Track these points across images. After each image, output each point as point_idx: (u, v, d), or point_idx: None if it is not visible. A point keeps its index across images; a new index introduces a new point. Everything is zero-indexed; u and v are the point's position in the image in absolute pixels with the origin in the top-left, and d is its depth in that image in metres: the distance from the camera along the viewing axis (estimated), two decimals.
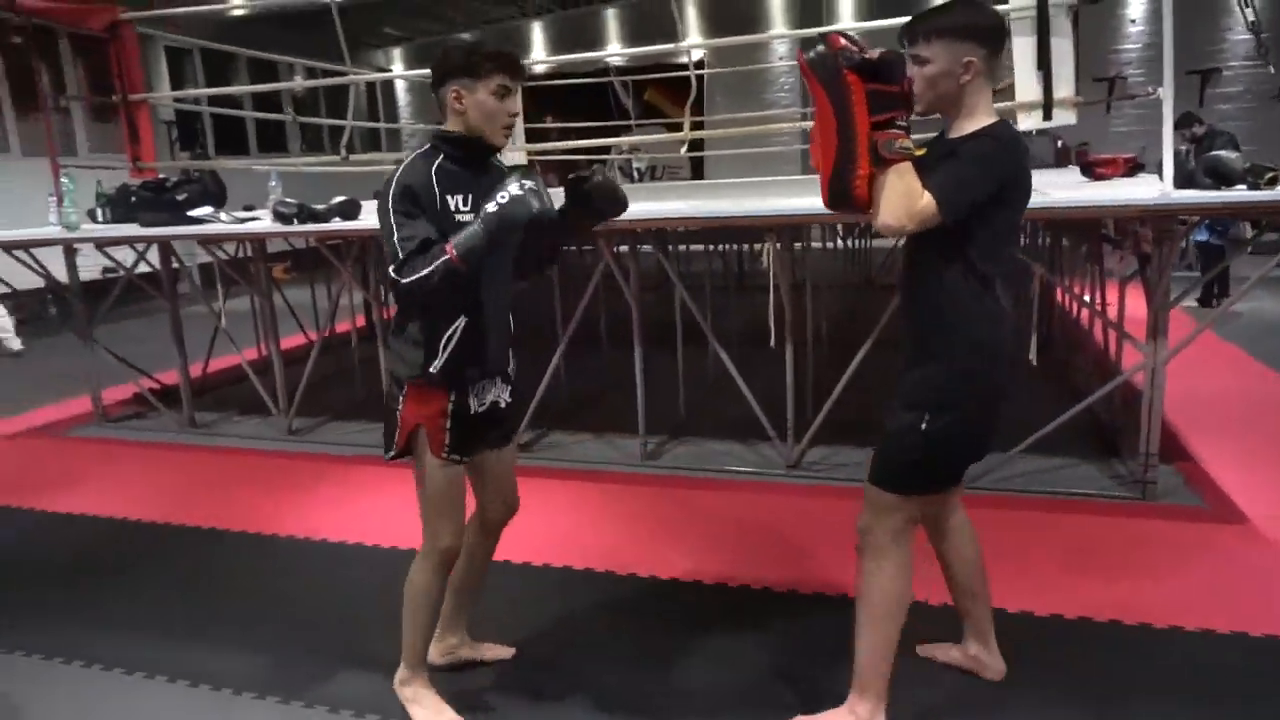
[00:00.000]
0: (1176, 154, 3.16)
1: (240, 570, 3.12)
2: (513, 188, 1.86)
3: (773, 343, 3.59)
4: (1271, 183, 3.02)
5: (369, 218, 4.24)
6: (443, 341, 1.98)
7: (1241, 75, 11.08)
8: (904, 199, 1.72)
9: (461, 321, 1.98)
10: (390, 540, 3.20)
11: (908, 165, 1.72)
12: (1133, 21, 11.21)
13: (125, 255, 5.11)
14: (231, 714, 2.27)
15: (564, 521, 3.39)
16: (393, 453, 2.07)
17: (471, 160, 2.00)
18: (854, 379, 3.61)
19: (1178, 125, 5.08)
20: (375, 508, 3.58)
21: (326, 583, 2.99)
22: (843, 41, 1.74)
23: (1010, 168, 1.79)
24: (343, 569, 3.09)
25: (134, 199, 4.90)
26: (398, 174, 1.93)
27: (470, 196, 1.96)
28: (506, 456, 2.23)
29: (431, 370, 1.99)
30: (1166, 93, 3.08)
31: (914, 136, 1.75)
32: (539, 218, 1.87)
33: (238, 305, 6.19)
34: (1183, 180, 3.15)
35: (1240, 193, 3.03)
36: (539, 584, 2.91)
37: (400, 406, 2.03)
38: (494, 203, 1.85)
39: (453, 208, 1.94)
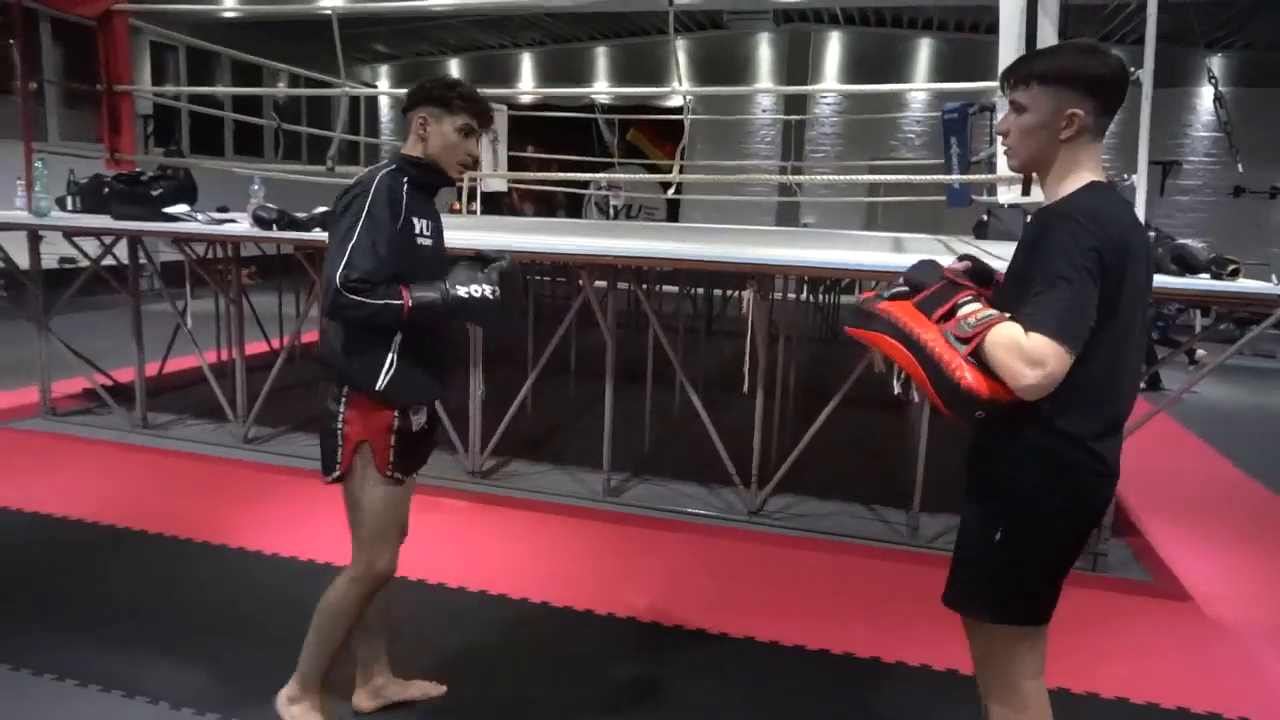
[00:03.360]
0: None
1: (187, 579, 3.02)
2: (487, 287, 1.95)
3: (746, 389, 3.62)
4: (1233, 275, 3.15)
5: None
6: (384, 361, 1.96)
7: (1200, 169, 11.58)
8: (1015, 355, 1.45)
9: (398, 340, 1.97)
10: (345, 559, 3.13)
11: (996, 327, 1.49)
12: None
13: (89, 247, 5.00)
14: None
15: (520, 551, 3.36)
16: (336, 473, 2.01)
17: (430, 186, 2.07)
18: (820, 432, 3.65)
19: None
20: (329, 525, 3.50)
21: (277, 598, 2.91)
22: (872, 291, 1.71)
23: (1088, 254, 1.46)
24: (294, 585, 3.01)
25: (107, 190, 4.82)
26: (377, 182, 1.93)
27: (429, 223, 2.03)
28: (413, 482, 2.17)
29: (377, 388, 1.95)
30: (1140, 179, 3.21)
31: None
32: (494, 322, 2.00)
33: (198, 307, 6.07)
34: None
35: (1204, 281, 3.14)
36: (488, 612, 2.86)
37: (341, 424, 1.98)
38: (467, 291, 1.93)
39: (416, 230, 1.98)
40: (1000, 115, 1.67)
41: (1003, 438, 1.59)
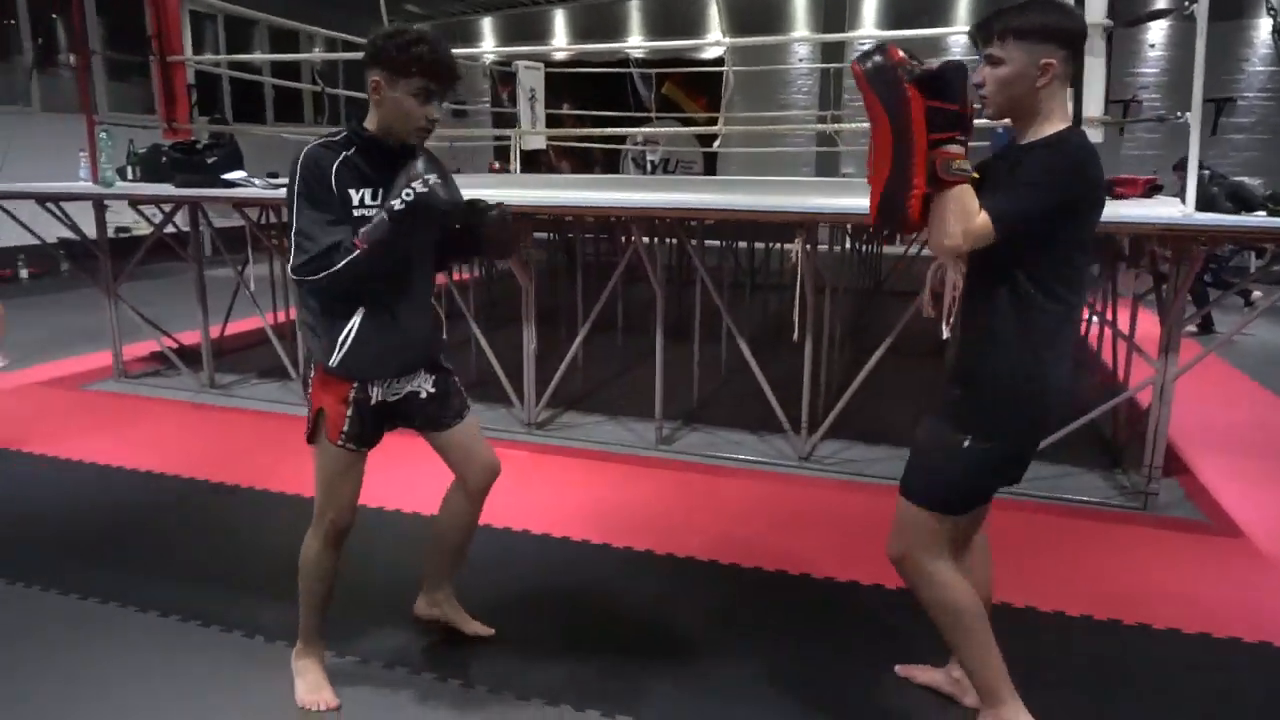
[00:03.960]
0: (1202, 181, 3.25)
1: (266, 527, 3.20)
2: (417, 183, 1.81)
3: (796, 337, 3.67)
4: None
5: None
6: (341, 336, 1.96)
7: (1256, 106, 11.18)
8: (960, 220, 1.66)
9: (358, 318, 1.96)
10: (411, 507, 3.29)
11: (965, 187, 1.67)
12: (1152, 46, 11.29)
13: (147, 215, 5.16)
14: (265, 660, 2.35)
15: (576, 497, 3.48)
16: (307, 437, 2.07)
17: (384, 153, 1.93)
18: (865, 381, 3.71)
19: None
20: (395, 477, 3.66)
21: (353, 545, 3.06)
22: (901, 54, 1.67)
23: (1074, 180, 1.69)
24: (367, 532, 3.16)
25: (165, 159, 4.96)
26: (300, 159, 1.88)
27: (379, 190, 1.92)
28: (464, 431, 2.21)
29: (331, 364, 1.98)
30: (1194, 117, 3.17)
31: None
32: (446, 211, 1.86)
33: (253, 271, 6.24)
34: (1204, 204, 3.25)
35: (1260, 218, 3.12)
36: (549, 554, 2.99)
37: (309, 391, 2.07)
38: (399, 198, 1.81)
39: (354, 201, 1.90)
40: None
41: (982, 356, 1.82)
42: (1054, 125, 1.74)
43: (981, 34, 1.76)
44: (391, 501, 3.34)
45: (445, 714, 2.15)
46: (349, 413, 2.03)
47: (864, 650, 2.41)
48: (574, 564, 2.93)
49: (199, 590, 2.69)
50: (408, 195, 1.81)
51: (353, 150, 1.92)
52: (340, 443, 2.04)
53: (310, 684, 2.18)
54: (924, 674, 2.26)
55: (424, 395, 2.14)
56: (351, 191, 1.91)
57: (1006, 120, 1.83)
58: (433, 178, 1.83)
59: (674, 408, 4.39)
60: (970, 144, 1.74)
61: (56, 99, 9.58)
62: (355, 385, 2.03)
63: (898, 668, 2.29)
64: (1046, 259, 1.74)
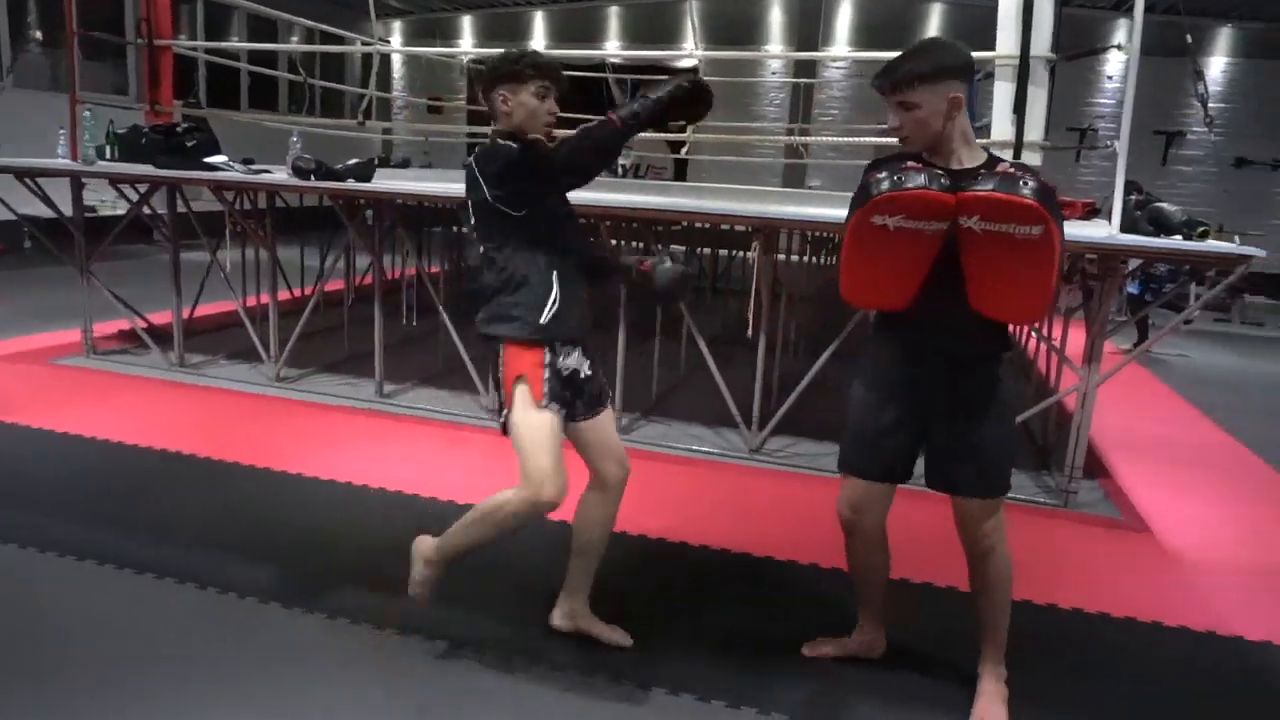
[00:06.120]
0: (1126, 203, 3.53)
1: (245, 497, 3.33)
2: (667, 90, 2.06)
3: (749, 333, 3.89)
4: (1203, 236, 3.40)
5: (382, 182, 4.47)
6: (549, 300, 2.15)
7: (1204, 141, 11.69)
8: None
9: (557, 285, 2.16)
10: (379, 483, 3.45)
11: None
12: (1109, 78, 11.76)
13: (115, 197, 5.22)
14: (257, 620, 2.49)
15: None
16: (505, 412, 2.20)
17: None
18: (815, 382, 3.94)
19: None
20: (365, 453, 3.82)
21: (328, 516, 3.22)
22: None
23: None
24: (342, 506, 3.32)
25: (145, 141, 5.05)
26: (514, 147, 2.12)
27: None
28: (603, 422, 2.34)
29: (541, 322, 2.14)
30: (1122, 146, 3.44)
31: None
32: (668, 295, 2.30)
33: (226, 256, 6.33)
34: (1128, 226, 3.52)
35: (1174, 241, 3.40)
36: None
37: (501, 369, 2.20)
38: (658, 93, 2.05)
39: None
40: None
41: (988, 356, 2.09)
42: (973, 150, 1.99)
43: (888, 85, 1.96)
44: (343, 476, 3.49)
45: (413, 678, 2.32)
46: (546, 375, 2.16)
47: (800, 621, 2.62)
48: (529, 539, 3.11)
49: (173, 550, 2.83)
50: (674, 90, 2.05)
51: None
52: (544, 403, 2.15)
53: (421, 579, 2.31)
54: (833, 646, 2.44)
55: (584, 374, 2.27)
56: None
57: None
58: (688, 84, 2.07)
59: (634, 401, 4.59)
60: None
61: (27, 76, 9.55)
62: (548, 350, 2.17)
63: (805, 648, 2.45)
64: None
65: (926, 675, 2.39)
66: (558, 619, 2.45)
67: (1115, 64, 11.95)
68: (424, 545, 2.36)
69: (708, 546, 3.09)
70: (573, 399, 2.25)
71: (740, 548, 3.08)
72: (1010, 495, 3.67)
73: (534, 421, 2.14)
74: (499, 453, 2.94)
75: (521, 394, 2.16)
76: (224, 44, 10.34)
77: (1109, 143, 3.64)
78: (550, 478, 2.12)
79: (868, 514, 2.25)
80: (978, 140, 2.04)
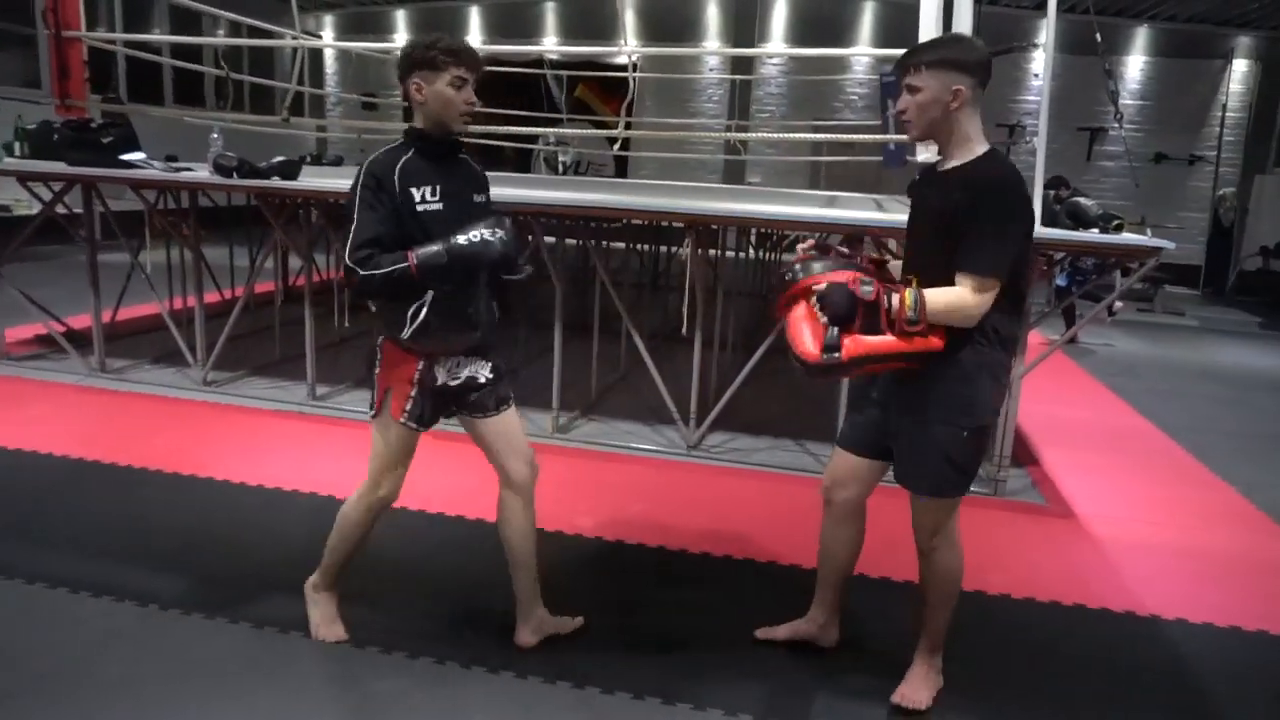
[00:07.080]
0: (1046, 200, 3.63)
1: (164, 505, 3.22)
2: (485, 231, 2.03)
3: (684, 331, 3.90)
4: (1118, 229, 3.52)
5: (310, 180, 4.37)
6: (412, 311, 2.08)
7: (1125, 137, 12.12)
8: (957, 310, 1.94)
9: (429, 296, 2.09)
10: (308, 487, 3.36)
11: (932, 296, 1.92)
12: (1035, 76, 12.09)
13: (37, 194, 5.01)
14: (179, 632, 2.41)
15: (469, 480, 3.60)
16: (374, 413, 2.24)
17: (438, 152, 2.15)
18: (751, 378, 3.97)
19: (1048, 185, 5.69)
20: (293, 458, 3.72)
21: (254, 522, 3.13)
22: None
23: (1027, 208, 2.01)
24: (269, 511, 3.23)
25: (57, 137, 4.84)
26: (368, 163, 2.09)
27: (437, 187, 2.11)
28: (506, 421, 2.33)
29: (403, 336, 2.12)
30: (1040, 141, 3.55)
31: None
32: (501, 263, 2.07)
33: (149, 258, 6.12)
34: (1048, 220, 3.62)
35: (1091, 234, 3.51)
36: (440, 531, 3.13)
37: (377, 369, 2.21)
38: (465, 237, 2.02)
39: (416, 198, 2.08)
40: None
41: (954, 359, 2.01)
42: (974, 146, 2.02)
43: (901, 67, 2.06)
44: (271, 481, 3.41)
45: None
46: (413, 393, 2.18)
47: (741, 617, 2.63)
48: (463, 541, 3.07)
49: (87, 562, 2.72)
50: (473, 238, 2.03)
51: (411, 153, 2.12)
52: (403, 420, 2.20)
53: (325, 615, 2.38)
54: (784, 631, 2.50)
55: (482, 380, 2.26)
56: (414, 190, 2.09)
57: (902, 137, 2.12)
58: (500, 233, 2.05)
59: (573, 400, 4.56)
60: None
61: None
62: (421, 365, 2.16)
63: (758, 632, 2.52)
64: (1015, 284, 2.04)
65: (877, 672, 2.43)
66: (526, 635, 2.42)
67: (1041, 63, 12.28)
68: (308, 585, 2.42)
69: (644, 545, 3.09)
70: (461, 407, 2.30)
71: (679, 545, 3.09)
72: None
73: (390, 436, 2.23)
74: (434, 452, 2.90)
75: (386, 407, 2.21)
76: (144, 36, 9.95)
77: (1030, 139, 3.73)
78: (389, 480, 2.28)
79: (842, 488, 2.32)
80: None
